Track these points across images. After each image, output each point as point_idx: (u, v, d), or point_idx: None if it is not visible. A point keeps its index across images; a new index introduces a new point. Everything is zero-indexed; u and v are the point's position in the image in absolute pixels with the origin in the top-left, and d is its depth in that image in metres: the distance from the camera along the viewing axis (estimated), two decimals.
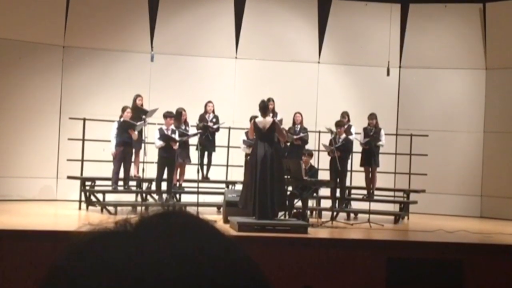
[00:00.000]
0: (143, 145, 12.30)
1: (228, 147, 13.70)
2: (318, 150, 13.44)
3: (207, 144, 13.14)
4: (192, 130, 12.89)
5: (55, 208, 12.82)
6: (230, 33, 15.09)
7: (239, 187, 12.73)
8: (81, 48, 14.42)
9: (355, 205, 13.37)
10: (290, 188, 11.54)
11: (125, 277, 0.76)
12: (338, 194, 12.72)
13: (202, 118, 13.26)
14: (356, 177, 13.59)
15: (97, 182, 12.76)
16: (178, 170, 12.78)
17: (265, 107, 10.60)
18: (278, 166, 10.29)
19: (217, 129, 13.35)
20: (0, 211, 11.23)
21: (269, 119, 10.47)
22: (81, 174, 12.71)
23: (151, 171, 12.42)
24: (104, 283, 0.75)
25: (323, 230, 10.64)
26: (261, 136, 10.33)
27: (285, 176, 10.76)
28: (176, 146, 12.23)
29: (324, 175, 12.52)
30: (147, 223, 0.83)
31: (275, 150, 10.45)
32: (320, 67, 15.38)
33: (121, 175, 12.52)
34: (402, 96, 15.42)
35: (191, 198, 12.26)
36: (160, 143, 12.12)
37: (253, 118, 12.25)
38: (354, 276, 8.71)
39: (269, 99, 12.01)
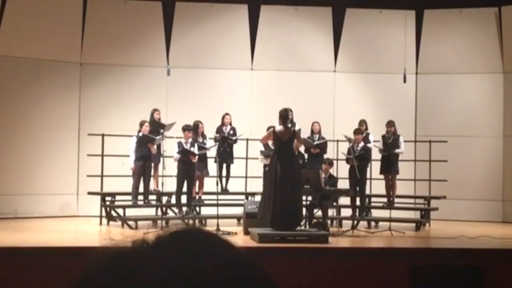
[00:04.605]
0: (162, 159, 12.34)
1: (247, 158, 13.70)
2: (337, 159, 13.41)
3: (225, 156, 13.15)
4: (209, 143, 12.91)
5: (76, 224, 12.88)
6: (245, 45, 15.13)
7: (258, 198, 12.73)
8: (98, 64, 14.52)
9: (375, 213, 13.30)
10: (309, 198, 11.51)
11: None
12: (358, 203, 12.68)
13: (219, 130, 13.28)
14: (376, 185, 13.53)
15: (117, 197, 12.80)
16: (197, 182, 12.81)
17: (286, 115, 10.54)
18: (298, 177, 10.27)
19: (235, 141, 13.36)
20: (22, 228, 11.31)
21: (289, 129, 10.43)
22: (101, 189, 12.77)
23: (170, 185, 12.45)
24: None
25: (344, 239, 10.60)
26: (280, 146, 10.30)
27: (305, 186, 10.74)
28: (195, 160, 12.26)
29: (343, 184, 12.48)
30: (163, 242, 0.84)
31: (295, 160, 10.44)
32: (336, 76, 15.36)
33: (141, 189, 12.58)
34: (420, 103, 15.36)
35: (211, 211, 12.28)
36: (176, 156, 12.15)
37: (270, 128, 12.28)
38: (377, 285, 8.65)
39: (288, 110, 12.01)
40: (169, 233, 0.86)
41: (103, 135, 12.88)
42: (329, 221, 12.09)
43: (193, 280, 0.77)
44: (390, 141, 12.93)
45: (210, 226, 11.57)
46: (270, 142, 12.38)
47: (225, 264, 0.81)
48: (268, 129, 12.12)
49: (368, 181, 13.15)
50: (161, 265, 0.79)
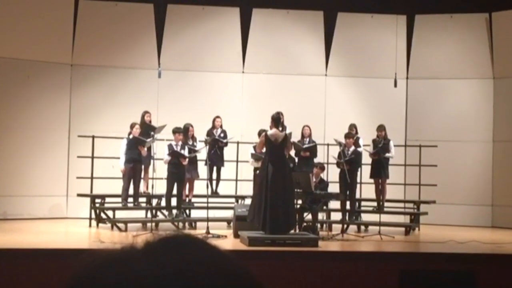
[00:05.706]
0: (152, 161, 12.32)
1: (237, 161, 13.70)
2: (327, 163, 13.43)
3: (216, 159, 13.14)
4: (199, 145, 12.90)
5: (66, 226, 12.84)
6: (236, 48, 15.13)
7: (248, 201, 12.72)
8: (89, 66, 14.49)
9: (365, 217, 13.32)
10: (300, 202, 11.51)
11: None
12: (348, 207, 12.69)
13: (210, 133, 13.27)
14: (366, 189, 13.55)
15: (107, 199, 12.76)
16: (187, 185, 12.79)
17: (279, 119, 10.56)
18: (290, 180, 10.27)
19: (226, 144, 13.36)
20: (11, 230, 11.26)
21: (281, 133, 10.44)
22: (91, 191, 12.74)
23: (160, 187, 12.43)
24: None
25: (333, 243, 10.61)
26: (272, 150, 10.29)
27: (295, 190, 10.73)
28: (185, 162, 12.26)
29: (333, 188, 12.49)
30: (152, 248, 0.84)
31: (286, 164, 10.44)
32: (327, 80, 15.38)
33: (131, 191, 12.55)
34: (410, 107, 15.40)
35: (201, 213, 12.26)
36: (167, 158, 12.15)
37: (262, 132, 12.28)
38: None
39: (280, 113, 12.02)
40: (158, 239, 0.86)
41: (93, 137, 12.86)
42: (319, 225, 12.09)
43: (181, 287, 0.77)
44: (381, 146, 12.96)
45: (200, 229, 11.55)
46: None
47: (214, 271, 0.81)
48: (259, 132, 12.13)
49: (358, 185, 13.17)
50: (149, 271, 0.79)
